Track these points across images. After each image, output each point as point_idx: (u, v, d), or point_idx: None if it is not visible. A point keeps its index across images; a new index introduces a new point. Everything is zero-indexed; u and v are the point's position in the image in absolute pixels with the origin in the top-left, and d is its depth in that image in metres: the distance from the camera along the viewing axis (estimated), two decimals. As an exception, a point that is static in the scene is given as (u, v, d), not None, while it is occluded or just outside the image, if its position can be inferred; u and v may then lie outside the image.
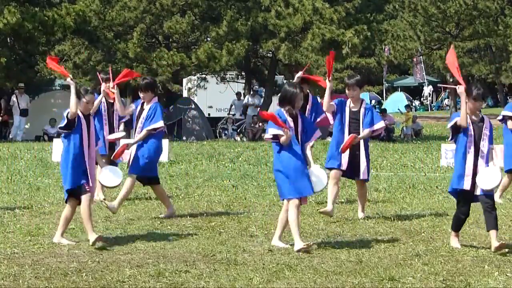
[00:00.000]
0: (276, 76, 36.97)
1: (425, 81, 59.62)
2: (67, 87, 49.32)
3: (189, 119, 32.69)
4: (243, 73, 37.98)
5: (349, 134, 11.85)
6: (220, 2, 32.74)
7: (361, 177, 12.01)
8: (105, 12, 31.07)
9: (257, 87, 38.85)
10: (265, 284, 8.01)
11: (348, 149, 11.79)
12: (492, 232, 9.62)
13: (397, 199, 14.41)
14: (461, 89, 9.78)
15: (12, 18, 28.55)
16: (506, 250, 9.66)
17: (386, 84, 63.18)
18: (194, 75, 37.31)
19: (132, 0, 30.87)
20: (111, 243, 9.96)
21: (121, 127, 13.90)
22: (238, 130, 33.51)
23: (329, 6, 31.05)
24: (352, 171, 12.02)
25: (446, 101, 60.20)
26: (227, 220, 11.82)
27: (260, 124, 32.64)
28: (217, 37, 31.14)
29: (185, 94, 40.78)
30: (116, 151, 12.23)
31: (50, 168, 19.44)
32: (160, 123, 11.84)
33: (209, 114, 37.32)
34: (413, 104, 60.38)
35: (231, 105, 36.35)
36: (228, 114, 35.86)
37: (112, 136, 13.01)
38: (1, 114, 31.46)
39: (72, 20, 29.93)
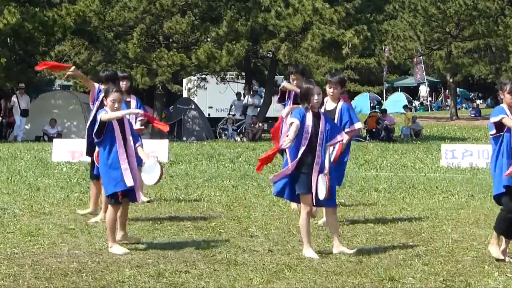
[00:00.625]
0: (276, 76, 36.98)
1: (425, 81, 59.64)
2: (67, 87, 49.35)
3: (189, 120, 32.69)
4: (243, 73, 37.99)
5: None
6: (220, 2, 32.74)
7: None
8: (105, 13, 31.07)
9: (257, 87, 38.87)
10: (265, 284, 8.00)
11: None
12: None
13: (397, 199, 14.41)
14: None
15: (12, 18, 28.55)
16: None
17: (386, 85, 63.21)
18: (194, 76, 37.33)
19: (132, 0, 30.87)
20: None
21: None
22: (238, 131, 33.52)
23: (329, 6, 31.05)
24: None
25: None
26: (227, 220, 11.82)
27: (260, 124, 32.65)
28: (217, 37, 31.14)
29: (185, 94, 40.79)
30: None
31: (50, 168, 19.44)
32: None
33: (209, 115, 37.33)
34: (413, 104, 60.44)
35: (231, 105, 36.36)
36: (228, 114, 35.87)
37: None
38: (1, 115, 31.47)
39: (72, 21, 29.94)
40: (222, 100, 38.51)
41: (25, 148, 24.97)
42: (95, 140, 9.45)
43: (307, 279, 8.21)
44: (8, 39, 30.70)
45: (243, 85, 37.69)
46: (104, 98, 9.73)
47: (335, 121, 10.76)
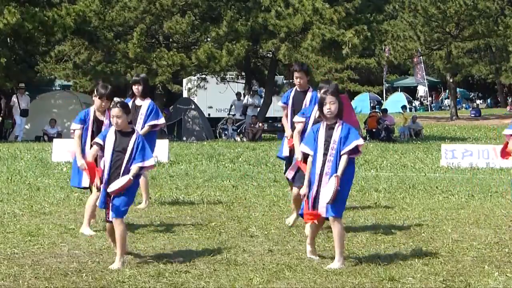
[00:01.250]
0: (276, 76, 36.97)
1: (425, 81, 59.65)
2: (67, 87, 49.40)
3: (189, 120, 32.69)
4: (243, 73, 37.98)
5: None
6: (220, 2, 32.74)
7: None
8: (105, 12, 31.07)
9: (257, 87, 38.86)
10: (265, 284, 8.00)
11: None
12: None
13: (397, 199, 14.41)
14: None
15: (12, 18, 28.55)
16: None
17: (386, 85, 63.21)
18: (194, 76, 37.32)
19: (132, 0, 30.87)
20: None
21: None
22: (238, 130, 33.52)
23: (329, 6, 31.05)
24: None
25: (446, 102, 60.23)
26: (227, 220, 11.82)
27: (260, 124, 32.65)
28: (217, 37, 31.14)
29: (185, 94, 40.79)
30: None
31: (50, 168, 19.45)
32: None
33: (209, 114, 37.33)
34: (413, 104, 60.45)
35: (231, 105, 36.36)
36: (228, 114, 35.87)
37: None
38: (1, 115, 31.48)
39: (72, 20, 29.93)
40: (222, 100, 38.51)
41: (25, 148, 24.98)
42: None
43: (307, 279, 8.21)
44: (8, 39, 30.70)
45: (243, 85, 37.68)
46: None
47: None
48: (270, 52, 34.47)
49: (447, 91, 56.21)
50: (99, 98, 10.85)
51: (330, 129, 8.80)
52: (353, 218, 12.04)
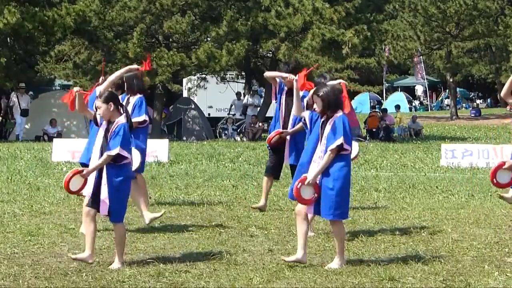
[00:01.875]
0: (276, 76, 36.87)
1: (425, 80, 59.65)
2: (67, 87, 49.40)
3: (189, 119, 32.69)
4: (243, 73, 37.98)
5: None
6: (220, 2, 32.73)
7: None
8: (105, 12, 31.06)
9: (257, 87, 38.84)
10: (265, 284, 8.01)
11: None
12: None
13: (397, 199, 14.40)
14: None
15: (12, 18, 28.53)
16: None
17: (386, 84, 63.20)
18: (194, 75, 37.31)
19: (132, 0, 30.86)
20: (112, 243, 9.95)
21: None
22: (238, 130, 33.51)
23: (329, 6, 31.05)
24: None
25: (446, 101, 60.23)
26: (227, 220, 11.82)
27: (260, 124, 32.65)
28: (217, 37, 31.13)
29: (185, 94, 40.78)
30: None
31: (50, 168, 19.44)
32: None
33: (209, 114, 37.32)
34: (413, 104, 60.44)
35: (231, 105, 36.36)
36: (228, 114, 35.86)
37: None
38: (1, 114, 31.48)
39: (72, 20, 29.92)
40: (222, 99, 38.50)
41: (25, 148, 24.97)
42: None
43: (307, 279, 8.21)
44: (8, 39, 30.69)
45: (243, 85, 37.67)
46: None
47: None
48: (270, 52, 34.46)
49: (447, 91, 56.21)
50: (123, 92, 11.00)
51: (323, 123, 8.83)
52: (353, 218, 12.04)
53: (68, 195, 14.22)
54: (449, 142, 28.62)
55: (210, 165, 20.64)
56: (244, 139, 31.94)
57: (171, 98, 39.47)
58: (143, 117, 11.87)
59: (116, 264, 8.64)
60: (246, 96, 35.65)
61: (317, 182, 8.66)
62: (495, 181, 9.35)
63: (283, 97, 12.18)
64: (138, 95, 12.12)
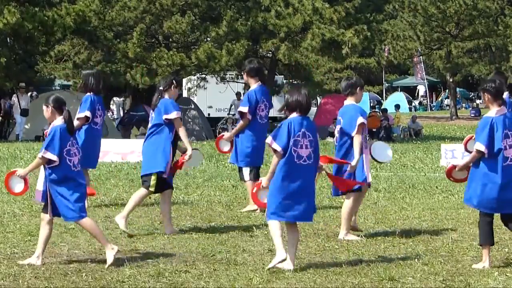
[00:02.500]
0: (276, 76, 36.94)
1: (425, 80, 59.66)
2: (67, 87, 49.39)
3: (189, 119, 32.68)
4: (243, 73, 37.95)
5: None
6: (220, 2, 32.74)
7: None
8: (105, 12, 31.07)
9: (257, 87, 38.75)
10: (265, 284, 8.01)
11: None
12: None
13: (397, 199, 14.40)
14: None
15: (12, 18, 28.54)
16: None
17: (386, 84, 63.20)
18: (194, 75, 37.31)
19: (132, 0, 30.86)
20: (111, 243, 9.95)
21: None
22: (238, 130, 33.47)
23: (329, 6, 31.05)
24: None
25: (446, 101, 60.25)
26: (227, 220, 11.82)
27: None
28: (217, 37, 31.14)
29: (185, 94, 40.76)
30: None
31: (50, 168, 19.42)
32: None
33: (209, 114, 37.30)
34: (413, 104, 60.44)
35: (231, 105, 36.34)
36: (228, 114, 35.84)
37: None
38: (1, 114, 31.48)
39: (72, 20, 29.93)
40: (222, 100, 38.48)
41: (25, 148, 24.96)
42: None
43: (307, 279, 8.21)
44: (8, 39, 30.70)
45: (243, 85, 37.67)
46: None
47: None
48: (270, 52, 34.46)
49: (447, 91, 56.21)
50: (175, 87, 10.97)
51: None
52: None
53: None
54: (449, 142, 28.60)
55: (210, 165, 20.63)
56: (244, 139, 31.91)
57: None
58: (83, 114, 12.39)
59: (109, 253, 8.67)
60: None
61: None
62: (452, 179, 9.85)
63: None
64: (88, 93, 12.41)
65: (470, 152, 9.07)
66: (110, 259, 8.64)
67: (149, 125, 10.93)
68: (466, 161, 9.19)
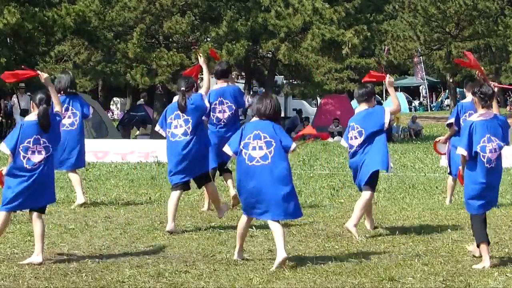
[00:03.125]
0: (276, 76, 36.95)
1: (425, 81, 59.67)
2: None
3: (189, 119, 32.65)
4: (243, 73, 37.98)
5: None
6: (220, 2, 32.75)
7: None
8: (105, 12, 31.07)
9: (257, 87, 38.83)
10: (265, 284, 8.01)
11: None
12: None
13: (397, 199, 14.40)
14: None
15: (12, 18, 28.53)
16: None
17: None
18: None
19: (132, 0, 30.86)
20: (111, 243, 9.96)
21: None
22: (238, 130, 33.49)
23: (329, 6, 31.06)
24: None
25: (446, 101, 60.26)
26: (227, 220, 11.82)
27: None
28: (217, 37, 31.14)
29: (185, 94, 40.73)
30: None
31: (50, 168, 19.42)
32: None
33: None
34: (413, 104, 60.44)
35: (231, 105, 36.29)
36: (228, 114, 35.79)
37: None
38: (1, 115, 31.49)
39: (72, 20, 29.92)
40: (222, 100, 38.42)
41: (25, 148, 24.95)
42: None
43: (307, 279, 8.22)
44: (8, 39, 30.69)
45: (243, 85, 37.68)
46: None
47: None
48: (270, 52, 34.47)
49: (447, 91, 56.22)
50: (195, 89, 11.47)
51: None
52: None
53: (68, 196, 14.22)
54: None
55: (210, 165, 20.61)
56: (244, 139, 31.92)
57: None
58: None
59: (34, 258, 8.79)
60: (246, 96, 35.65)
61: None
62: (437, 150, 12.79)
63: None
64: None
65: (441, 154, 10.00)
66: (29, 260, 8.78)
67: (190, 126, 11.47)
68: (446, 136, 12.12)
